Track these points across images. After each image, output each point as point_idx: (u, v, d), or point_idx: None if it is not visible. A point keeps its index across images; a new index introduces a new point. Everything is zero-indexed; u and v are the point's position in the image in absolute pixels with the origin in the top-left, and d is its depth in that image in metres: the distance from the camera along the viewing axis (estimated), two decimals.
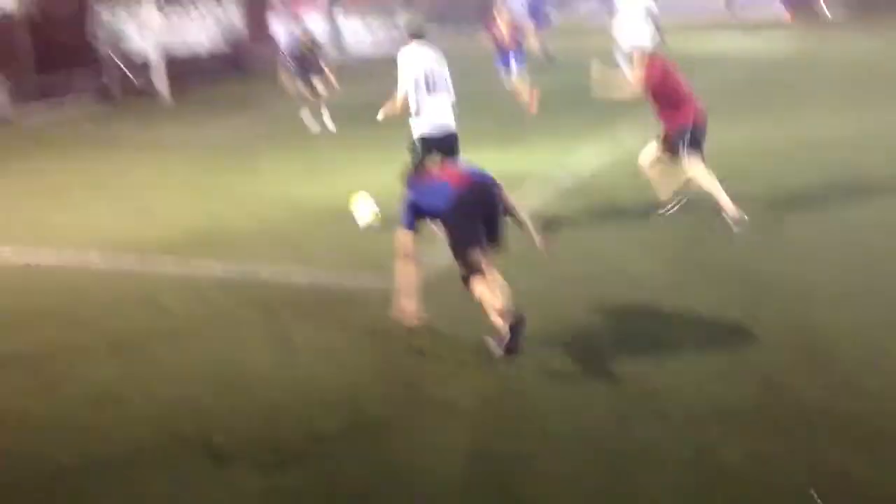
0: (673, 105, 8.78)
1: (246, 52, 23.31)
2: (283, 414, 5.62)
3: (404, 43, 8.62)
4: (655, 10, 16.33)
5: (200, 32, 22.15)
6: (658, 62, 8.87)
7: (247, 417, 5.59)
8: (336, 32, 26.44)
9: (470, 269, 6.11)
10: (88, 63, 20.12)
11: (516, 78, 15.27)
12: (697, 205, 8.97)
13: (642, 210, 9.22)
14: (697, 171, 8.73)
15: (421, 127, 8.32)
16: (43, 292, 8.08)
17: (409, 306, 6.46)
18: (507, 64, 15.37)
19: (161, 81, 19.57)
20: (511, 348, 5.97)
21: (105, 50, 20.21)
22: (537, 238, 6.41)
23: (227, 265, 8.41)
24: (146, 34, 20.01)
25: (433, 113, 8.28)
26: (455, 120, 8.47)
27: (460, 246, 6.15)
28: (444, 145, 8.19)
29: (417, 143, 8.31)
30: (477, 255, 6.09)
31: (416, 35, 8.53)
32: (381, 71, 20.01)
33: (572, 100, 14.95)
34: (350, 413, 5.58)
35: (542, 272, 7.46)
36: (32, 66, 19.00)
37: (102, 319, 7.32)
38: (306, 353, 6.47)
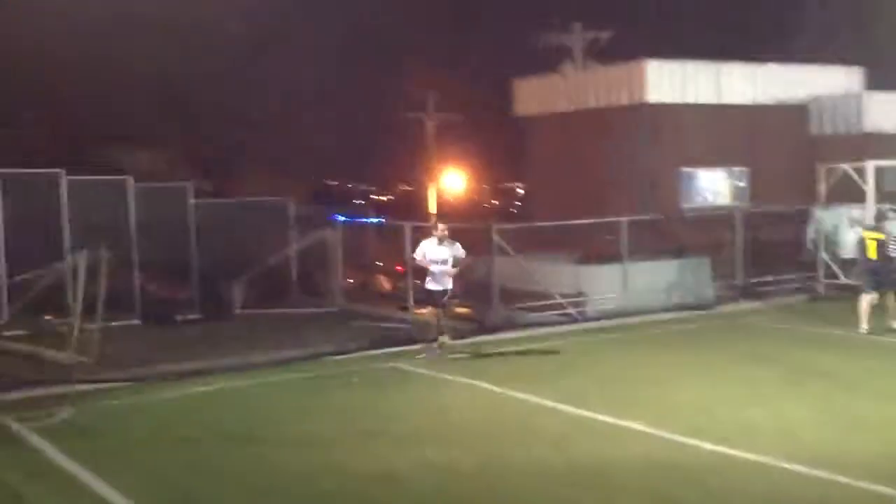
0: None
1: None
2: None
3: None
4: None
5: None
6: None
7: None
8: None
9: None
10: (796, 258, 20.12)
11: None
12: None
13: None
14: None
15: None
16: (741, 493, 7.75)
17: None
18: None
19: None
20: None
21: (816, 247, 19.91)
22: None
23: None
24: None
25: None
26: None
27: None
28: None
29: None
30: None
31: None
32: None
33: None
34: None
35: None
36: (743, 259, 19.52)
37: None
38: None
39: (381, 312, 17.95)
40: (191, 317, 17.31)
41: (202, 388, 12.04)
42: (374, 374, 12.80)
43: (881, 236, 14.87)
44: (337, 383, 12.20)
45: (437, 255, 13.79)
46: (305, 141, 53.84)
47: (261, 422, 10.35)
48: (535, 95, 29.62)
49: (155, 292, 18.10)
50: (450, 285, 13.95)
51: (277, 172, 44.24)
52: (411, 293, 16.37)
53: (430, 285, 13.91)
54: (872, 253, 14.76)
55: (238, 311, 18.06)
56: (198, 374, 12.71)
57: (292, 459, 8.93)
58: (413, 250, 14.62)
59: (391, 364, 13.29)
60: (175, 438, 9.76)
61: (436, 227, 14.08)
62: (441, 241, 13.80)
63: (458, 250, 13.92)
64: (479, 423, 10.08)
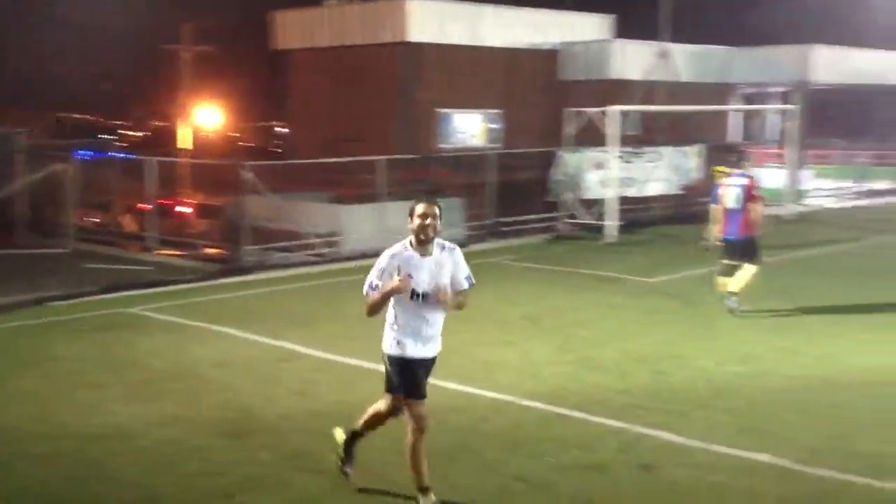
0: None
1: (696, 201, 22.71)
2: None
3: None
4: None
5: (657, 178, 21.96)
6: None
7: None
8: (795, 184, 25.09)
9: None
10: (542, 199, 20.87)
11: None
12: None
13: None
14: None
15: None
16: (464, 429, 7.81)
17: None
18: None
19: (611, 221, 19.49)
20: None
21: (560, 188, 20.70)
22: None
23: (671, 432, 7.55)
24: (604, 176, 20.22)
25: None
26: None
27: None
28: None
29: None
30: None
31: None
32: (838, 223, 20.29)
33: None
34: None
35: None
36: (495, 199, 19.97)
37: (515, 464, 6.81)
38: None
39: (122, 254, 16.85)
40: None
41: None
42: (107, 320, 11.88)
43: (724, 168, 16.76)
44: (64, 331, 11.23)
45: (424, 279, 6.33)
46: (50, 71, 49.83)
47: None
48: (296, 29, 28.74)
49: None
50: (440, 344, 6.55)
51: (17, 103, 40.77)
52: (156, 233, 15.35)
53: (412, 348, 6.37)
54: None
55: None
56: None
57: (4, 419, 8.06)
58: (160, 189, 13.23)
59: (128, 309, 12.41)
60: None
61: (423, 216, 6.30)
62: (424, 246, 6.38)
63: (462, 265, 6.53)
64: (221, 371, 9.55)
